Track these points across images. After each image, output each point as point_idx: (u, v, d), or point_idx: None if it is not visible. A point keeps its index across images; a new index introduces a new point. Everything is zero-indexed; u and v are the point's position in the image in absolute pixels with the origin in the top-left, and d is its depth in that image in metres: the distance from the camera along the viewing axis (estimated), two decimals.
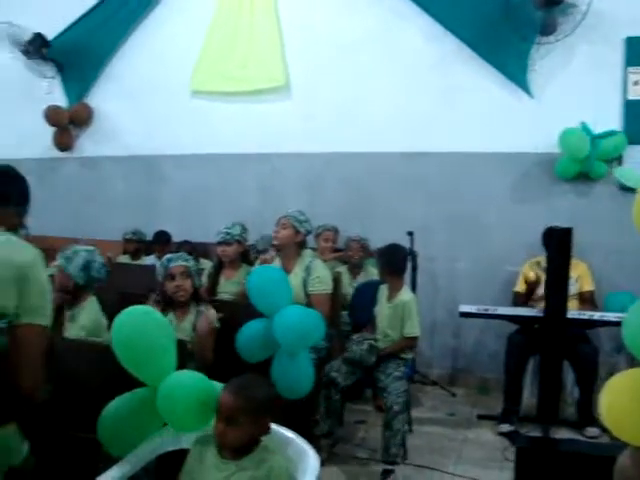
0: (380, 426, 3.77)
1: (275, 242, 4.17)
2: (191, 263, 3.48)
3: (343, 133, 5.61)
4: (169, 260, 3.48)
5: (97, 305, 3.39)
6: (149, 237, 5.89)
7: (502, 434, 4.28)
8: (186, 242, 5.47)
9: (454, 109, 5.31)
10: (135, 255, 5.74)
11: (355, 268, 5.12)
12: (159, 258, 5.54)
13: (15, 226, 2.17)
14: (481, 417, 4.60)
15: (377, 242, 4.55)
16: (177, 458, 2.38)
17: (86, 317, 3.29)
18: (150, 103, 6.28)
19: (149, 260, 5.55)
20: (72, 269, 3.31)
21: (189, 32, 6.10)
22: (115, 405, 2.32)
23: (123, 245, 5.84)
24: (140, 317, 2.28)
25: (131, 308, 2.39)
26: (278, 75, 5.76)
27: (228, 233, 4.55)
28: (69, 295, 3.32)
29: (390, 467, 3.66)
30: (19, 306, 1.83)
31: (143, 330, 2.24)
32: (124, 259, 5.74)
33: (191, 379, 2.21)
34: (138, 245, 5.80)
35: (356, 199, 5.62)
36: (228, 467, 2.05)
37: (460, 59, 5.27)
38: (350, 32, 5.58)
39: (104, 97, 6.60)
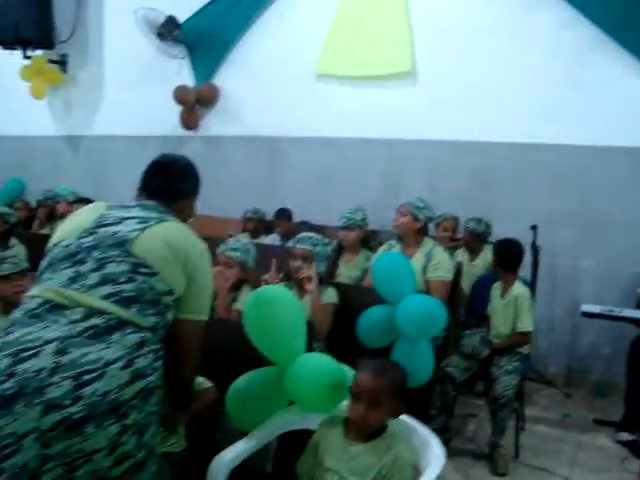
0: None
1: (395, 230, 4.16)
2: (319, 248, 3.51)
3: (471, 121, 5.50)
4: (298, 240, 3.54)
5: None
6: (269, 217, 5.99)
7: (621, 442, 4.09)
8: (304, 223, 5.53)
9: (587, 99, 5.09)
10: (255, 233, 5.86)
11: (472, 253, 5.04)
12: (280, 235, 5.68)
13: (189, 217, 2.34)
14: (598, 422, 4.42)
15: (500, 234, 4.44)
16: (297, 439, 2.44)
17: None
18: (275, 85, 6.38)
19: (269, 239, 5.65)
20: (250, 260, 3.51)
21: (316, 15, 6.15)
22: (243, 381, 2.37)
23: (243, 223, 5.97)
24: (273, 297, 2.32)
25: (264, 287, 2.44)
26: (405, 60, 5.70)
27: (350, 218, 4.56)
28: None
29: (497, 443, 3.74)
30: (184, 297, 1.98)
31: (276, 310, 2.27)
32: (243, 237, 5.87)
33: (321, 361, 2.24)
34: (258, 224, 5.91)
35: (480, 189, 5.50)
36: (355, 449, 2.07)
37: (596, 46, 5.05)
38: (482, 17, 5.45)
39: (230, 78, 6.76)
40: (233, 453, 2.20)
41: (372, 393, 2.03)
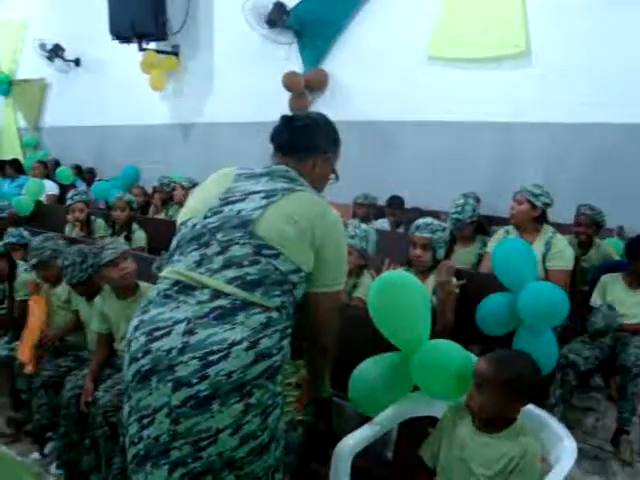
0: (612, 417, 3.64)
1: (511, 219, 4.04)
2: (438, 234, 3.46)
3: (593, 101, 5.21)
4: (417, 227, 3.50)
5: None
6: (379, 202, 5.96)
7: None
8: (415, 209, 5.47)
9: None
10: (365, 219, 5.84)
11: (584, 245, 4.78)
12: (391, 222, 5.64)
13: (325, 178, 2.23)
14: None
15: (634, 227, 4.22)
16: (418, 425, 2.42)
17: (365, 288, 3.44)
18: (384, 69, 6.32)
19: (378, 224, 5.63)
20: (369, 246, 3.52)
21: None
22: (367, 366, 2.37)
23: (353, 209, 5.96)
24: (399, 282, 2.30)
25: (390, 273, 2.43)
26: (519, 40, 5.51)
27: (459, 220, 4.26)
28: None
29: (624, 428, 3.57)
30: (316, 270, 1.98)
31: (402, 295, 2.25)
32: (353, 222, 5.86)
33: (449, 348, 2.20)
34: (368, 209, 5.89)
35: (604, 175, 5.23)
36: (483, 440, 2.03)
37: None
38: None
39: (339, 63, 6.76)
40: (356, 439, 2.20)
41: (479, 377, 2.02)
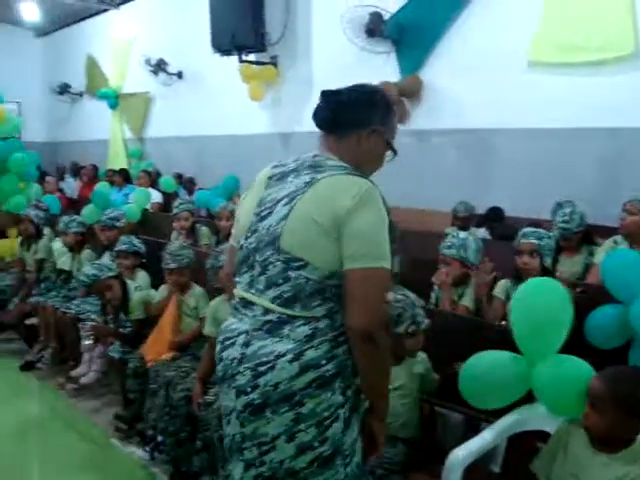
0: None
1: (622, 229, 3.92)
2: (544, 241, 3.41)
3: None
4: (523, 235, 3.46)
5: None
6: (477, 211, 5.89)
7: None
8: (515, 221, 5.35)
9: None
10: (464, 228, 5.78)
11: None
12: (489, 232, 5.55)
13: (374, 156, 2.03)
14: None
15: None
16: (527, 439, 2.39)
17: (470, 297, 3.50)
18: (483, 76, 6.23)
19: (479, 233, 5.55)
20: (470, 255, 3.52)
21: (525, 2, 5.92)
22: (482, 360, 2.35)
23: (452, 217, 5.91)
24: (544, 289, 2.29)
25: (536, 279, 2.46)
26: (627, 42, 5.30)
27: (566, 229, 4.21)
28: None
29: None
30: (343, 246, 1.80)
31: (544, 302, 2.25)
32: (451, 231, 5.81)
33: (576, 364, 2.16)
34: (467, 218, 5.82)
35: None
36: (599, 460, 2.00)
37: None
38: None
39: (436, 70, 6.71)
40: (466, 451, 2.21)
41: (593, 396, 1.99)
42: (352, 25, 6.89)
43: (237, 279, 2.03)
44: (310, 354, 1.82)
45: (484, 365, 2.34)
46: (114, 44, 11.55)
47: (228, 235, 5.35)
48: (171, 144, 10.21)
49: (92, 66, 12.14)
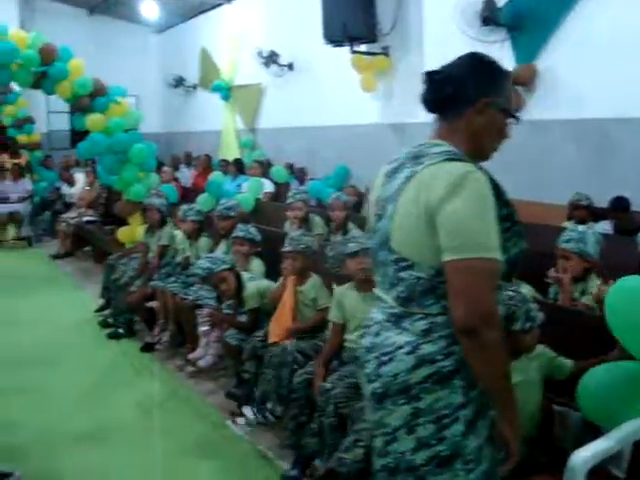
0: None
1: None
2: None
3: None
4: None
5: None
6: (598, 204, 5.66)
7: None
8: None
9: None
10: (583, 222, 5.59)
11: None
12: (615, 225, 5.32)
13: (491, 133, 1.90)
14: None
15: None
16: None
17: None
18: (606, 63, 5.94)
19: (599, 227, 5.35)
20: (589, 249, 3.44)
21: None
22: (598, 373, 2.30)
23: (569, 211, 5.71)
24: None
25: (630, 277, 2.36)
26: None
27: None
28: None
29: None
30: (441, 237, 1.72)
31: None
32: (569, 225, 5.63)
33: None
34: (586, 211, 5.61)
35: None
36: None
37: None
38: None
39: (554, 58, 6.48)
40: (590, 452, 2.13)
41: None
42: (465, 14, 6.76)
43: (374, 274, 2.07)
44: (426, 348, 1.81)
45: (601, 377, 2.28)
46: (227, 37, 11.86)
47: (340, 225, 5.43)
48: (282, 135, 10.39)
49: (206, 59, 12.51)
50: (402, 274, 1.84)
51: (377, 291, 2.01)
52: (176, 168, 11.01)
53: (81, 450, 3.95)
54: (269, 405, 3.95)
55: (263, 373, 3.86)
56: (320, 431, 3.33)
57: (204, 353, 4.82)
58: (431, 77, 1.91)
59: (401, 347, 1.84)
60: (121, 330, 5.95)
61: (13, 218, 10.63)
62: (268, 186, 8.16)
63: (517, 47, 6.81)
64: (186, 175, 10.93)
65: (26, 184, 10.95)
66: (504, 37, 6.84)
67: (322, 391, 3.32)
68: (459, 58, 1.93)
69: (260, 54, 10.43)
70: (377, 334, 1.93)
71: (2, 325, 6.39)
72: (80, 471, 3.72)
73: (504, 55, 6.82)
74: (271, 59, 10.37)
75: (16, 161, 11.40)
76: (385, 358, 1.87)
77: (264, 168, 8.96)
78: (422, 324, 1.83)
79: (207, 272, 4.36)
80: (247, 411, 4.09)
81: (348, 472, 2.97)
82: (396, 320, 1.89)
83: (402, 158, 1.92)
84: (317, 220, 5.74)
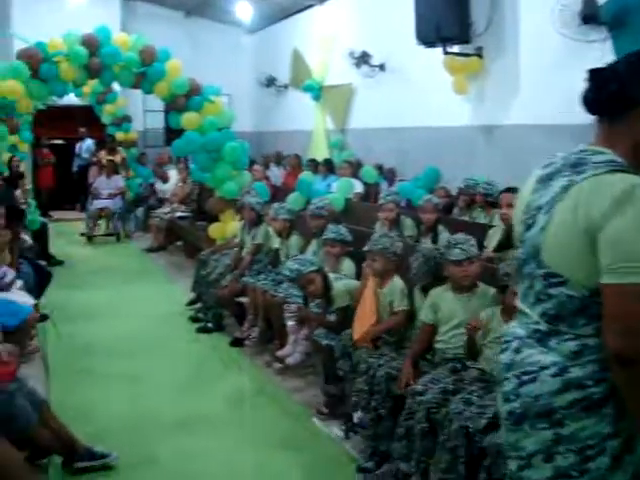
0: None
1: None
2: None
3: None
4: None
5: None
6: None
7: None
8: None
9: None
10: None
11: None
12: None
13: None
14: None
15: None
16: None
17: None
18: None
19: None
20: None
21: None
22: None
23: None
24: None
25: None
26: None
27: None
28: None
29: None
30: (599, 257, 1.62)
31: None
32: None
33: None
34: None
35: None
36: None
37: None
38: None
39: None
40: None
41: None
42: (563, 13, 6.58)
43: (517, 287, 1.98)
44: (575, 372, 1.69)
45: None
46: (318, 38, 11.94)
47: (430, 228, 5.39)
48: (372, 135, 10.37)
49: (297, 59, 12.63)
50: (552, 290, 1.73)
51: (519, 304, 1.89)
52: (267, 167, 11.18)
53: (173, 437, 4.10)
54: (358, 414, 3.94)
55: (354, 378, 3.86)
56: (407, 434, 3.30)
57: (292, 350, 4.88)
58: (595, 74, 1.78)
59: (546, 367, 1.73)
60: (210, 325, 6.10)
61: (104, 213, 11.04)
62: (358, 186, 8.17)
63: (619, 46, 6.56)
64: (276, 174, 11.09)
65: (118, 181, 11.38)
66: (605, 36, 6.61)
67: (412, 393, 3.31)
68: (627, 55, 1.76)
69: (351, 55, 10.45)
70: (518, 351, 1.82)
71: (100, 316, 6.68)
72: (171, 457, 3.86)
73: (604, 55, 6.61)
74: (362, 60, 10.37)
75: (111, 158, 11.86)
76: (526, 377, 1.76)
77: (354, 168, 8.97)
78: (572, 345, 1.71)
79: (296, 274, 4.42)
80: (335, 429, 4.11)
81: None
82: (541, 337, 1.77)
83: (558, 164, 1.79)
84: (408, 222, 5.72)
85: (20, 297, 4.77)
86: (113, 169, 11.41)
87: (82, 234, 11.05)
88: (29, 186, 10.35)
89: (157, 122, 14.04)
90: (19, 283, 5.05)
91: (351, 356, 3.91)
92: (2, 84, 6.64)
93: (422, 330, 3.68)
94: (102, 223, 11.32)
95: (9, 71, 6.73)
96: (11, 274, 4.97)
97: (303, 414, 4.42)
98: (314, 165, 9.81)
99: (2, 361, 3.43)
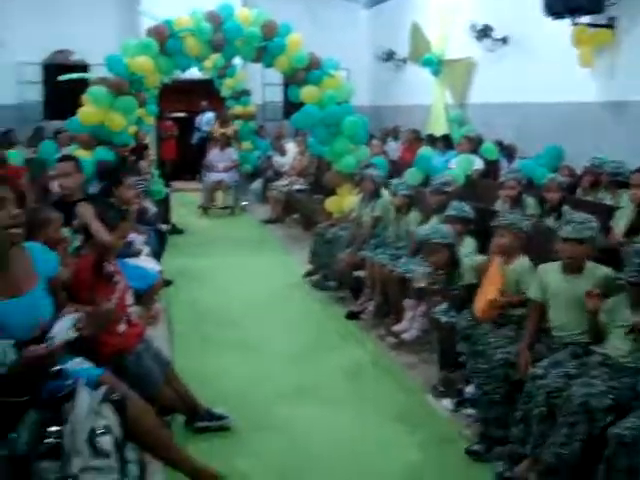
0: None
1: None
2: None
3: None
4: None
5: None
6: None
7: None
8: None
9: None
10: None
11: None
12: None
13: None
14: None
15: None
16: None
17: None
18: None
19: None
20: None
21: None
22: None
23: None
24: None
25: None
26: None
27: None
28: None
29: None
30: None
31: None
32: None
33: None
34: None
35: None
36: None
37: None
38: None
39: None
40: None
41: None
42: None
43: None
44: None
45: None
46: (439, 11, 11.70)
47: (554, 207, 5.22)
48: (492, 110, 10.11)
49: (416, 33, 12.43)
50: None
51: None
52: (384, 141, 11.11)
53: (288, 405, 4.22)
54: (470, 388, 3.92)
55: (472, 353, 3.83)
56: (524, 418, 3.26)
57: (409, 326, 4.90)
58: None
59: None
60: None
61: (219, 186, 11.33)
62: (478, 163, 7.96)
63: None
64: (393, 148, 11.01)
65: (232, 154, 11.57)
66: None
67: (532, 377, 3.25)
68: None
69: (473, 28, 10.20)
70: None
71: (218, 284, 6.94)
72: (286, 424, 3.98)
73: None
74: (484, 33, 10.10)
75: (223, 130, 12.13)
76: None
77: (474, 144, 8.71)
78: None
79: (425, 238, 4.40)
80: (445, 401, 4.11)
81: (566, 466, 2.92)
82: None
83: None
84: (530, 201, 5.56)
85: (147, 263, 5.01)
86: (226, 142, 11.65)
87: (199, 206, 11.35)
88: (153, 157, 10.77)
89: (276, 95, 14.25)
90: (146, 249, 5.30)
91: (470, 337, 3.86)
92: (133, 60, 6.95)
93: (532, 309, 3.59)
94: (218, 196, 11.57)
95: (139, 48, 7.06)
96: (140, 241, 5.22)
97: (417, 390, 4.43)
98: (431, 140, 9.67)
99: (132, 323, 3.63)
